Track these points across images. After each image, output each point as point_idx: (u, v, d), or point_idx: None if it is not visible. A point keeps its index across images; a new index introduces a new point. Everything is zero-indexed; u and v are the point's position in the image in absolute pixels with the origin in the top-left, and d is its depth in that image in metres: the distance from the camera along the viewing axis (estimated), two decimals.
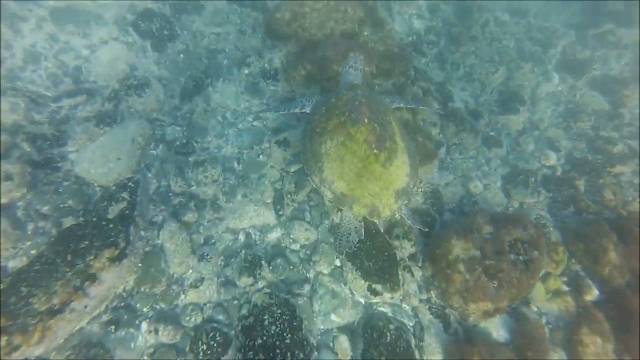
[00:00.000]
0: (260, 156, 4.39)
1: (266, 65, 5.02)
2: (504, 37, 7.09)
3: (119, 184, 3.66)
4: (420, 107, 4.77)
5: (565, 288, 3.91)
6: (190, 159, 4.22)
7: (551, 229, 4.36)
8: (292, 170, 4.30)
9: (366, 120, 3.31)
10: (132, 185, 3.63)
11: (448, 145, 5.09)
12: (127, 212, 3.41)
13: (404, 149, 3.56)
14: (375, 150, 3.27)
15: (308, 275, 3.73)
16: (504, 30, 7.21)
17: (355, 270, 3.58)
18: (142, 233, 3.47)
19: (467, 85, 5.96)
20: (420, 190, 4.53)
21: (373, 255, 3.64)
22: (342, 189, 3.39)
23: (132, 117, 4.19)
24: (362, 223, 3.55)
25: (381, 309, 3.56)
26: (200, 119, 4.57)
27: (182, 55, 4.88)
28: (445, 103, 5.43)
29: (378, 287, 3.51)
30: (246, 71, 4.97)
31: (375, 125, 3.34)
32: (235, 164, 4.36)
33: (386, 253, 3.68)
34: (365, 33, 5.27)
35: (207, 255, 3.58)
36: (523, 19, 7.52)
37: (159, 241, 3.56)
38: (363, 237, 3.55)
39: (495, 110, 5.66)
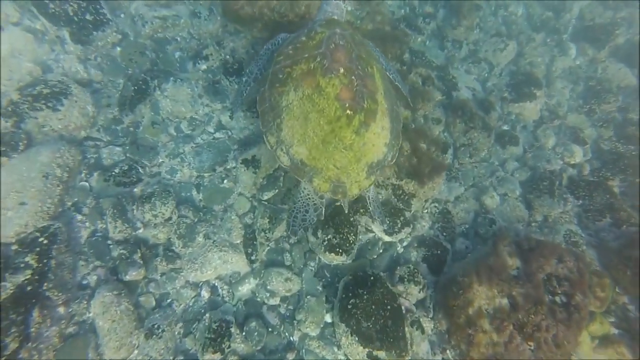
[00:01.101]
0: (225, 181, 3.41)
1: (228, 57, 3.90)
2: (511, 3, 5.95)
3: (24, 241, 2.66)
4: (404, 93, 3.77)
5: (614, 331, 3.13)
6: (135, 189, 3.23)
7: (584, 247, 3.55)
8: (266, 197, 3.35)
9: (342, 70, 2.60)
10: (46, 240, 2.65)
11: (455, 146, 4.15)
12: (29, 287, 2.43)
13: (385, 110, 2.84)
14: (348, 111, 2.56)
15: (292, 339, 2.89)
16: None
17: (351, 335, 2.74)
18: (60, 310, 2.54)
19: (472, 67, 4.91)
20: (425, 211, 3.63)
21: (372, 311, 2.79)
22: (302, 156, 2.70)
23: (46, 141, 3.11)
24: (324, 200, 2.93)
25: None
26: (147, 133, 3.52)
27: (118, 49, 3.73)
28: (449, 93, 4.42)
29: (381, 354, 2.69)
30: (204, 66, 3.86)
31: (353, 78, 2.62)
32: (194, 193, 3.38)
33: (388, 307, 2.84)
34: (349, 8, 4.14)
35: (159, 328, 2.69)
36: None
37: (90, 315, 2.65)
38: (323, 218, 2.99)
39: (508, 97, 4.67)
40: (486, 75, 4.95)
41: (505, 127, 4.50)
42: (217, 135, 3.64)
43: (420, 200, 3.58)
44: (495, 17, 5.60)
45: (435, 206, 3.71)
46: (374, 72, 2.85)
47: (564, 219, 3.80)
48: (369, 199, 3.07)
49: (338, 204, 3.33)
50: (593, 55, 5.57)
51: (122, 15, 3.96)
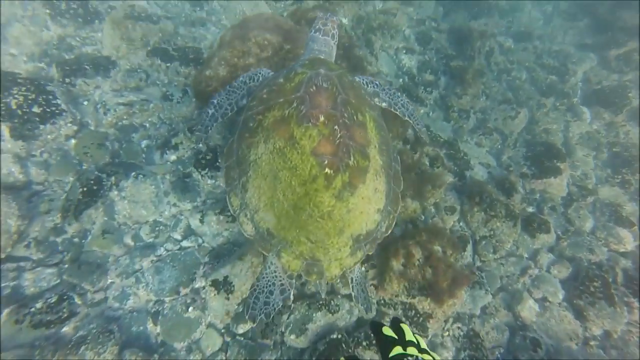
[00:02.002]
0: (191, 308, 2.60)
1: (201, 145, 3.28)
2: (512, 67, 5.54)
3: None
4: (419, 132, 3.19)
5: None
6: (64, 329, 2.41)
7: None
8: (242, 331, 2.53)
9: (322, 118, 2.11)
10: None
11: (475, 240, 3.39)
12: None
13: (380, 168, 2.32)
14: (327, 170, 2.03)
15: None
16: (510, 59, 5.67)
17: None
18: None
19: (483, 138, 4.31)
20: (446, 334, 2.79)
21: None
22: (268, 224, 2.18)
23: None
24: (294, 281, 2.29)
25: None
26: (95, 246, 2.77)
27: (73, 141, 3.12)
28: (461, 173, 3.76)
29: None
30: (173, 157, 3.22)
31: (336, 127, 2.12)
32: (150, 325, 2.56)
33: None
34: (344, 21, 3.64)
35: None
36: (529, 43, 6.02)
37: None
38: (291, 302, 2.47)
39: (528, 172, 4.00)
40: (499, 146, 4.33)
41: (530, 209, 3.77)
42: (185, 243, 2.89)
43: (439, 321, 2.75)
44: (500, 83, 5.14)
45: (459, 327, 2.86)
46: (365, 121, 2.32)
47: (635, 335, 2.92)
48: (352, 281, 2.40)
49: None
50: (610, 119, 5.03)
51: (86, 103, 3.41)
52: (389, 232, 2.41)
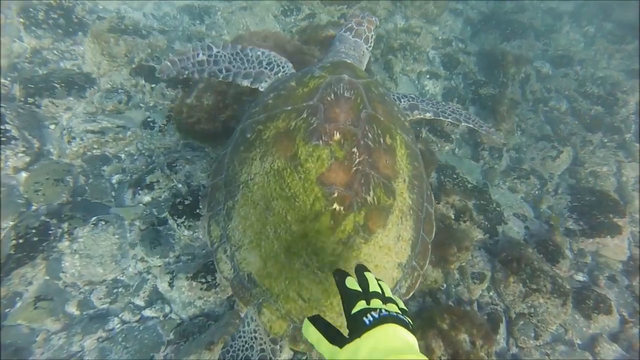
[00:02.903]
0: None
1: (180, 185, 2.71)
2: (550, 97, 4.82)
3: None
4: (489, 133, 2.82)
5: None
6: None
7: None
8: None
9: (337, 137, 1.64)
10: None
11: (509, 317, 2.67)
12: None
13: (408, 210, 1.78)
14: (336, 205, 1.54)
15: None
16: (548, 87, 4.95)
17: None
18: None
19: (518, 183, 3.59)
20: None
21: None
22: (252, 268, 1.66)
23: None
24: (279, 347, 1.80)
25: None
26: (21, 318, 2.15)
27: (24, 174, 2.58)
28: (492, 228, 3.06)
29: None
30: (147, 198, 2.66)
31: (355, 150, 1.64)
32: None
33: None
34: (372, 35, 3.03)
35: None
36: (569, 69, 5.28)
37: None
38: None
39: (576, 228, 3.26)
40: (537, 192, 3.61)
41: (580, 278, 3.02)
42: (148, 313, 2.29)
43: None
44: (536, 114, 4.42)
45: None
46: (395, 145, 1.82)
47: None
48: None
49: None
50: None
51: (52, 127, 2.90)
52: (411, 293, 1.81)
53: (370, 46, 2.47)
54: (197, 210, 2.60)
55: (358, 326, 0.93)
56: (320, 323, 1.00)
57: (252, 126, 1.83)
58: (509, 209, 3.33)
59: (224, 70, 2.22)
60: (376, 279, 1.18)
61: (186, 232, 2.53)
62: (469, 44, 5.24)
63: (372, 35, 2.45)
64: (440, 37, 5.03)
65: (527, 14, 5.95)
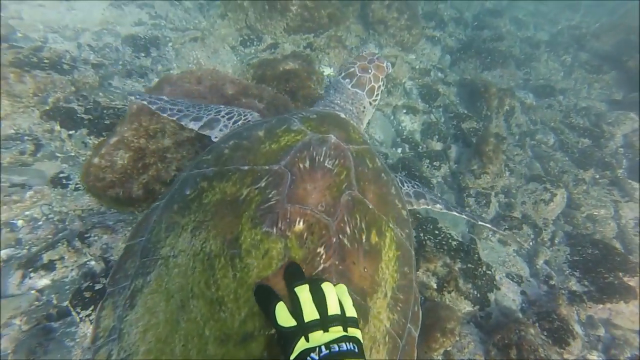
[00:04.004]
0: None
1: (94, 262, 2.09)
2: (536, 129, 4.42)
3: None
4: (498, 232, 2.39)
5: None
6: None
7: None
8: None
9: (300, 227, 1.14)
10: None
11: None
12: None
13: (384, 336, 1.22)
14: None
15: None
16: (533, 119, 4.57)
17: None
18: None
19: (510, 254, 3.07)
20: None
21: None
22: None
23: None
24: None
25: None
26: None
27: None
28: (483, 297, 2.50)
29: None
30: (43, 282, 2.01)
31: (321, 250, 1.13)
32: None
33: None
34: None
35: None
36: (553, 99, 4.94)
37: None
38: None
39: (580, 290, 2.74)
40: (532, 244, 3.09)
41: (595, 358, 2.46)
42: None
43: None
44: (524, 150, 3.98)
45: None
46: (381, 246, 1.32)
47: None
48: None
49: None
50: None
51: None
52: None
53: (375, 100, 1.94)
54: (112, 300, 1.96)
55: None
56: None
57: (195, 180, 1.35)
58: (501, 269, 2.79)
59: (175, 111, 1.87)
60: (315, 283, 1.00)
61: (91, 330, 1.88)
62: (448, 74, 4.87)
63: (380, 86, 1.93)
64: (417, 67, 4.64)
65: (505, 42, 5.67)
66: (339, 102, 1.86)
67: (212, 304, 1.06)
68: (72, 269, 2.08)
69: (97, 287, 1.99)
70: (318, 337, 0.90)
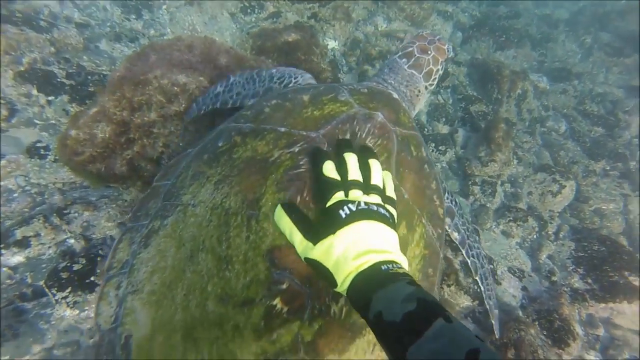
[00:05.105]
0: None
1: (72, 241, 1.94)
2: (547, 115, 4.19)
3: None
4: (489, 309, 2.06)
5: None
6: None
7: None
8: None
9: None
10: None
11: None
12: None
13: None
14: (279, 303, 1.00)
15: None
16: (546, 104, 4.32)
17: None
18: None
19: (513, 226, 2.91)
20: None
21: None
22: (135, 331, 1.08)
23: None
24: None
25: None
26: None
27: None
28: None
29: None
30: (15, 259, 1.88)
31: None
32: None
33: None
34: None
35: None
36: (568, 84, 4.66)
37: None
38: None
39: (583, 287, 2.62)
40: (536, 237, 2.95)
41: (593, 358, 2.37)
42: None
43: None
44: (533, 137, 3.76)
45: None
46: (409, 240, 1.24)
47: None
48: None
49: None
50: None
51: None
52: None
53: (431, 84, 1.83)
54: (93, 278, 1.84)
55: (333, 221, 0.85)
56: (294, 212, 0.93)
57: (230, 133, 1.32)
58: (503, 262, 2.66)
59: (234, 96, 1.83)
60: (364, 156, 1.02)
61: (68, 312, 1.77)
62: (459, 52, 4.56)
63: (438, 70, 1.79)
64: (419, 32, 4.31)
65: (522, 20, 5.31)
66: (392, 82, 1.74)
67: (219, 261, 1.05)
68: (49, 247, 1.94)
69: (76, 267, 1.86)
70: (357, 195, 0.91)
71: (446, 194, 1.86)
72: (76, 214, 2.02)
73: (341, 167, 0.99)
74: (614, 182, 3.62)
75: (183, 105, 1.88)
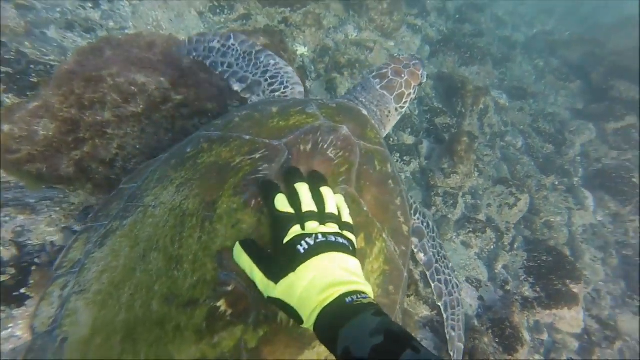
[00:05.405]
0: None
1: (1, 248, 1.75)
2: (507, 131, 4.43)
3: None
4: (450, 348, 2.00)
5: None
6: None
7: None
8: None
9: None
10: None
11: None
12: None
13: None
14: (223, 305, 0.97)
15: None
16: (505, 120, 4.57)
17: None
18: None
19: (473, 237, 3.03)
20: None
21: None
22: (73, 333, 1.04)
23: None
24: None
25: None
26: None
27: None
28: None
29: None
30: None
31: None
32: None
33: None
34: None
35: None
36: (524, 103, 4.97)
37: None
38: None
39: (532, 296, 2.77)
40: (493, 248, 3.09)
41: None
42: None
43: None
44: (493, 151, 3.96)
45: None
46: (367, 253, 1.21)
47: None
48: None
49: None
50: (617, 209, 3.98)
51: None
52: None
53: (402, 107, 1.83)
54: (24, 290, 1.66)
55: (292, 257, 0.83)
56: (253, 249, 0.91)
57: (199, 140, 1.34)
58: (461, 272, 2.76)
59: (225, 65, 1.92)
60: (314, 184, 1.02)
61: None
62: (427, 65, 4.71)
63: (410, 94, 1.82)
64: (395, 55, 4.42)
65: (484, 39, 5.61)
66: (363, 100, 1.77)
67: (170, 261, 1.04)
68: None
69: (3, 278, 1.67)
70: (314, 227, 0.90)
71: (417, 215, 1.87)
72: (7, 218, 1.82)
73: (294, 198, 0.98)
74: (561, 196, 3.89)
75: (141, 107, 1.76)
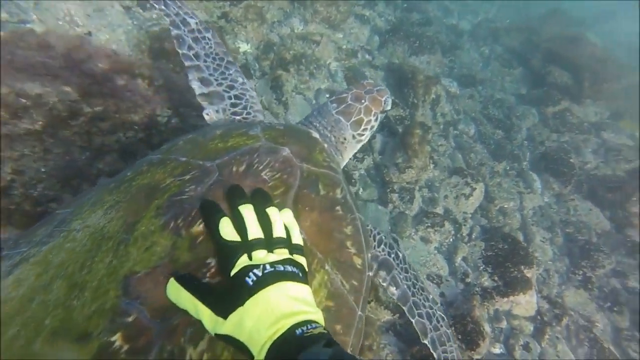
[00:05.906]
0: None
1: None
2: (459, 119, 4.50)
3: None
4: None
5: None
6: None
7: None
8: None
9: (198, 229, 0.97)
10: None
11: None
12: None
13: None
14: (118, 340, 0.82)
15: None
16: (457, 108, 4.63)
17: None
18: None
19: (432, 232, 3.02)
20: None
21: None
22: None
23: None
24: None
25: None
26: None
27: None
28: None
29: None
30: None
31: (211, 263, 0.95)
32: None
33: None
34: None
35: None
36: (474, 90, 5.07)
37: None
38: None
39: (490, 285, 2.81)
40: (452, 240, 3.10)
41: (497, 350, 2.55)
42: None
43: None
44: (447, 140, 3.99)
45: None
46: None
47: None
48: None
49: None
50: (559, 190, 4.19)
51: None
52: None
53: (360, 135, 1.70)
54: None
55: (240, 290, 0.80)
56: (194, 284, 0.84)
57: (141, 164, 1.26)
58: (422, 269, 2.74)
59: (193, 52, 1.70)
60: (260, 204, 0.97)
61: None
62: (376, 56, 4.65)
63: (370, 121, 1.68)
64: (344, 47, 4.31)
65: (433, 27, 5.63)
66: (317, 124, 1.67)
67: (72, 289, 0.90)
68: None
69: None
70: (262, 257, 0.87)
71: (382, 246, 1.71)
72: None
73: (239, 222, 0.93)
74: (512, 182, 4.01)
75: (40, 123, 1.48)
